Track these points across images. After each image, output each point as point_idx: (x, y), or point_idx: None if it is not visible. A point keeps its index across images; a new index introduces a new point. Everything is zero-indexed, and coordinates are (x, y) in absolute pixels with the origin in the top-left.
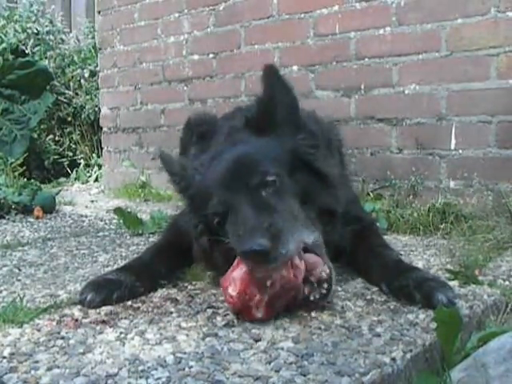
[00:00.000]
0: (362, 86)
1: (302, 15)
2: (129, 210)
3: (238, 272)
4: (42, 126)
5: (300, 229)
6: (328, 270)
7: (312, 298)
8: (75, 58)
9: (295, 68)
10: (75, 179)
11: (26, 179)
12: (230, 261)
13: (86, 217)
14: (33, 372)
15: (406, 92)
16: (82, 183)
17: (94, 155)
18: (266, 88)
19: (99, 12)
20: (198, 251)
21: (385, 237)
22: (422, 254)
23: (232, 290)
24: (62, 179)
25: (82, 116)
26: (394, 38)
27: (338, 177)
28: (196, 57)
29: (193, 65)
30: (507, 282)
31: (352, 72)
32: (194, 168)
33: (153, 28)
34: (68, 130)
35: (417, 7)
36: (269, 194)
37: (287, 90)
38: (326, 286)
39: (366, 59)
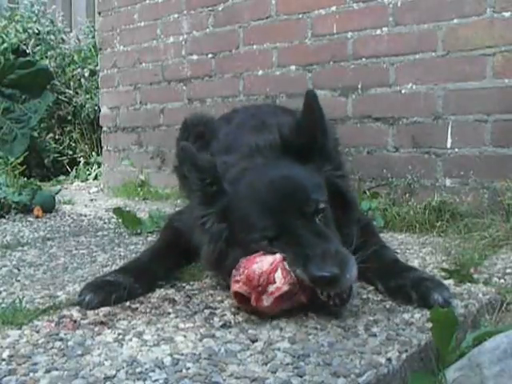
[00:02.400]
0: (359, 86)
1: (300, 15)
2: (128, 208)
3: (267, 258)
4: (42, 125)
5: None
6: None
7: (331, 303)
8: (75, 58)
9: (293, 68)
10: (75, 177)
11: (26, 178)
12: None
13: (86, 216)
14: (31, 374)
15: (403, 91)
16: (82, 181)
17: (93, 153)
18: (308, 114)
19: (99, 13)
20: (210, 254)
21: (381, 235)
22: (417, 252)
23: (258, 267)
24: (62, 177)
25: (82, 115)
26: (391, 38)
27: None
28: (195, 57)
29: (192, 65)
30: (502, 280)
31: (349, 72)
32: (223, 172)
33: (152, 28)
34: (68, 128)
35: (413, 7)
36: (321, 221)
37: (324, 119)
38: (347, 291)
39: (363, 59)
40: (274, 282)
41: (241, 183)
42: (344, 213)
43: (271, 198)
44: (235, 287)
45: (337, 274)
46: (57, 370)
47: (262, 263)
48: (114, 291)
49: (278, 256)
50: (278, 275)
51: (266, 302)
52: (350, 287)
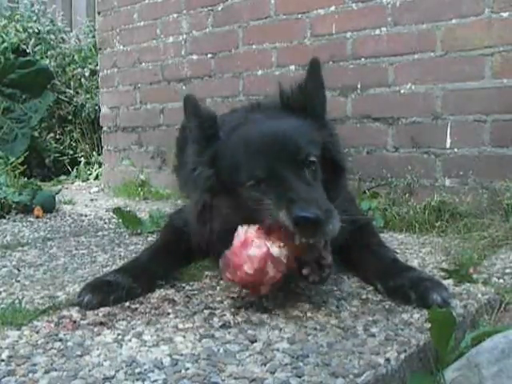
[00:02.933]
0: (359, 86)
1: (300, 15)
2: (128, 208)
3: (254, 250)
4: (42, 125)
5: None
6: (331, 258)
7: (311, 280)
8: (76, 57)
9: (292, 68)
10: (76, 177)
11: (26, 178)
12: (226, 227)
13: (86, 216)
14: (31, 375)
15: (402, 91)
16: (83, 181)
17: (94, 153)
18: (311, 77)
19: (99, 13)
20: (196, 206)
21: (381, 235)
22: (417, 252)
23: (248, 269)
24: (63, 177)
25: (83, 114)
26: (390, 38)
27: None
28: (195, 57)
29: (191, 65)
30: (501, 280)
31: (348, 72)
32: (225, 121)
33: (152, 28)
34: (68, 128)
35: (412, 8)
36: (310, 173)
37: (323, 86)
38: (327, 271)
39: (363, 59)
40: (268, 273)
41: (234, 131)
42: (333, 177)
43: (262, 145)
44: (229, 281)
45: (320, 218)
46: (56, 370)
47: (252, 260)
48: (112, 291)
49: (264, 247)
50: (270, 266)
51: (264, 290)
52: (329, 266)
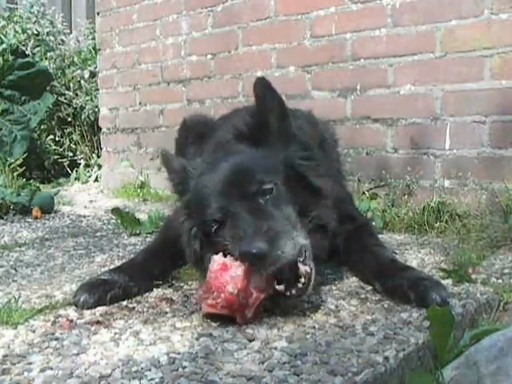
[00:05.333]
0: (358, 87)
1: (299, 16)
2: (127, 210)
3: (235, 270)
4: (42, 127)
5: (296, 233)
6: (309, 269)
7: (288, 294)
8: (75, 59)
9: (292, 69)
10: (75, 179)
11: (26, 179)
12: None
13: (85, 217)
14: (26, 374)
15: (402, 92)
16: (82, 183)
17: (93, 155)
18: (258, 100)
19: (98, 13)
20: (189, 254)
21: (380, 235)
22: (416, 253)
23: (232, 288)
24: (62, 179)
25: (82, 116)
26: (390, 39)
27: (331, 189)
28: (194, 58)
29: (191, 66)
30: (500, 280)
31: (348, 73)
32: (191, 172)
33: (151, 29)
34: (68, 130)
35: (412, 9)
36: (266, 201)
37: (278, 102)
38: (303, 280)
39: (362, 60)
40: (252, 294)
41: (199, 178)
42: (311, 195)
43: (219, 185)
44: (213, 310)
45: (263, 250)
46: (51, 369)
47: (235, 281)
48: (109, 290)
49: (244, 267)
50: (253, 285)
51: (249, 313)
52: (306, 277)
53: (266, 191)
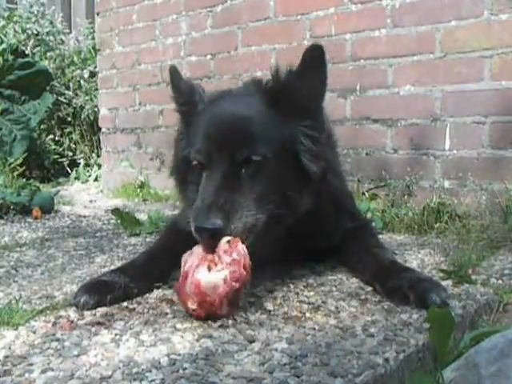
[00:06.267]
0: (358, 87)
1: (299, 17)
2: (127, 210)
3: (189, 286)
4: (42, 126)
5: (251, 213)
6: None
7: None
8: (75, 59)
9: None
10: (75, 179)
11: (25, 179)
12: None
13: (85, 217)
14: (27, 375)
15: (401, 93)
16: (82, 183)
17: (93, 155)
18: (306, 61)
19: (98, 13)
20: (174, 165)
21: (380, 236)
22: (416, 253)
23: (191, 304)
24: (62, 179)
25: (82, 116)
26: (389, 39)
27: (322, 177)
28: (194, 58)
29: (191, 66)
30: (500, 281)
31: (347, 73)
32: (198, 96)
33: (151, 29)
34: (68, 130)
35: (411, 9)
36: (246, 172)
37: (322, 77)
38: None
39: (362, 60)
40: (214, 300)
41: (204, 109)
42: (299, 183)
43: (214, 128)
44: (186, 300)
45: (218, 226)
46: (52, 370)
47: (192, 297)
48: (109, 291)
49: (195, 277)
50: (210, 293)
51: (223, 311)
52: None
53: (251, 163)
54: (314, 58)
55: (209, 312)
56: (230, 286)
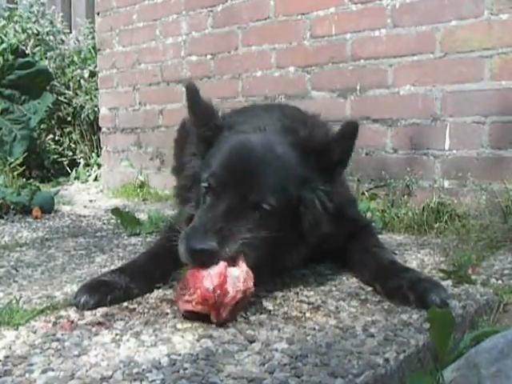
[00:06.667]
0: (358, 87)
1: (299, 17)
2: (127, 209)
3: (213, 268)
4: (42, 126)
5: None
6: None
7: None
8: (75, 59)
9: (292, 69)
10: (75, 178)
11: (25, 179)
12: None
13: (85, 217)
14: (27, 375)
15: (401, 93)
16: (82, 182)
17: (93, 155)
18: (341, 133)
19: (98, 13)
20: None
21: (380, 236)
22: (416, 253)
23: (208, 284)
24: (62, 178)
25: (82, 116)
26: (389, 39)
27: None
28: (194, 58)
29: (191, 66)
30: (500, 281)
31: (348, 73)
32: (224, 122)
33: (151, 29)
34: (68, 129)
35: (411, 9)
36: (250, 215)
37: (351, 149)
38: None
39: (362, 60)
40: (228, 293)
41: (234, 136)
42: (296, 241)
43: (238, 163)
44: (188, 306)
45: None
46: (53, 370)
47: (211, 277)
48: (109, 291)
49: (222, 264)
50: (230, 284)
51: (224, 313)
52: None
53: (259, 208)
54: (350, 133)
55: (217, 302)
56: (245, 288)
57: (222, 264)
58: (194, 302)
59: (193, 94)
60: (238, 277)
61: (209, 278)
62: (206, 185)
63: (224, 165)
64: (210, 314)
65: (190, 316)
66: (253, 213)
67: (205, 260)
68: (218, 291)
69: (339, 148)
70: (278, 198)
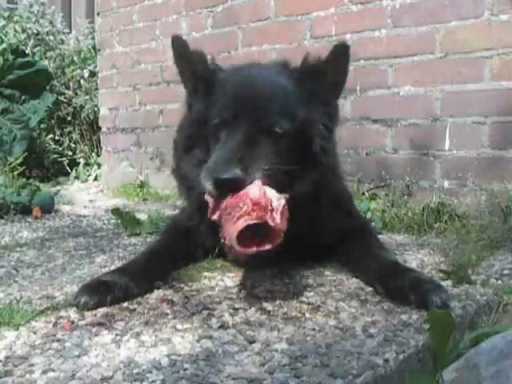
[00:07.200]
0: (358, 87)
1: (299, 17)
2: (127, 209)
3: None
4: (41, 126)
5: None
6: None
7: None
8: (75, 59)
9: None
10: (75, 178)
11: (25, 178)
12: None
13: (85, 217)
14: (28, 376)
15: (401, 93)
16: (82, 182)
17: (93, 154)
18: (331, 56)
19: (98, 13)
20: (182, 139)
21: (380, 236)
22: (416, 253)
23: (254, 193)
24: (62, 178)
25: (82, 116)
26: (390, 40)
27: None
28: None
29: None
30: (500, 282)
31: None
32: (217, 65)
33: (151, 29)
34: (68, 129)
35: (412, 10)
36: (265, 141)
37: (344, 71)
38: None
39: (362, 61)
40: (272, 200)
41: (234, 73)
42: (304, 166)
43: (242, 93)
44: (240, 224)
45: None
46: (53, 371)
47: (249, 191)
48: (109, 292)
49: (256, 182)
50: (270, 194)
51: (277, 217)
52: None
53: (272, 133)
54: (341, 53)
55: (266, 206)
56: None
57: (256, 181)
58: (245, 214)
59: (181, 44)
60: (271, 190)
61: (250, 189)
62: (216, 120)
63: (234, 97)
64: (266, 219)
65: (244, 236)
66: (267, 138)
67: (232, 188)
68: (264, 199)
69: (332, 69)
70: (287, 121)
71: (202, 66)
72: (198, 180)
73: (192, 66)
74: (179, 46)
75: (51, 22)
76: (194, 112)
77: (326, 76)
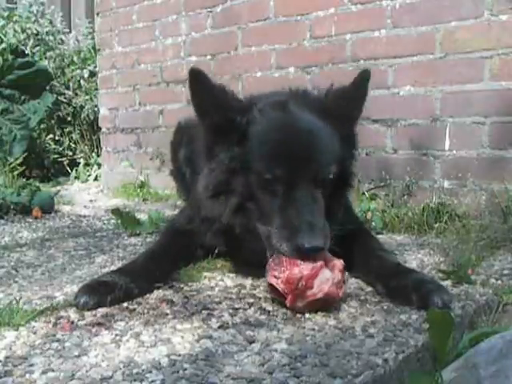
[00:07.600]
0: None
1: (299, 17)
2: (127, 210)
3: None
4: (41, 126)
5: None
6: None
7: None
8: (75, 59)
9: (291, 69)
10: (75, 178)
11: (25, 178)
12: (240, 207)
13: (85, 217)
14: (28, 376)
15: (401, 93)
16: (82, 182)
17: (93, 154)
18: (359, 86)
19: (98, 14)
20: (211, 180)
21: (380, 236)
22: (416, 253)
23: (298, 272)
24: (62, 178)
25: (82, 116)
26: (389, 40)
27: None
28: (194, 58)
29: (190, 66)
30: (499, 282)
31: (348, 73)
32: (256, 101)
33: (151, 29)
34: (68, 129)
35: (411, 10)
36: (319, 191)
37: (365, 99)
38: None
39: (362, 61)
40: (312, 288)
41: (270, 116)
42: (338, 192)
43: (295, 144)
44: (273, 281)
45: (321, 247)
46: (53, 371)
47: (303, 267)
48: (109, 292)
49: (320, 263)
50: (317, 282)
51: (300, 303)
52: None
53: (326, 181)
54: (365, 80)
55: (296, 289)
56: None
57: (320, 262)
58: (279, 280)
59: (201, 78)
60: (327, 279)
61: (301, 266)
62: (268, 176)
63: (282, 151)
64: (287, 297)
65: (270, 291)
66: (321, 188)
67: (314, 257)
68: (304, 282)
69: (357, 96)
70: (336, 165)
71: (227, 105)
72: (243, 228)
73: (215, 102)
74: (198, 79)
75: (51, 22)
76: (225, 158)
77: (350, 105)
